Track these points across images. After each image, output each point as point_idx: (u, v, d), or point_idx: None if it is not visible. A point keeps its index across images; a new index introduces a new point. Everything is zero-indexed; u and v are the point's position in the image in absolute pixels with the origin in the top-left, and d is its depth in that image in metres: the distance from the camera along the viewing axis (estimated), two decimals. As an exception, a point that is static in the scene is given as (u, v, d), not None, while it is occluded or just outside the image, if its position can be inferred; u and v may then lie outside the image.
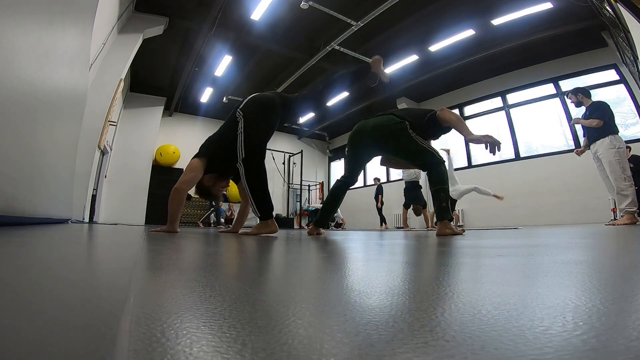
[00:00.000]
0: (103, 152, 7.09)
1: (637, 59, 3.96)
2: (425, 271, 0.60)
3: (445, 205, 2.26)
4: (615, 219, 5.69)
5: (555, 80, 7.10)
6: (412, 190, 6.15)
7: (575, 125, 4.11)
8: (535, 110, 7.41)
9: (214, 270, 0.57)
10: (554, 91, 7.10)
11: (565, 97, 4.29)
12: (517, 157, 7.57)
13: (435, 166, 2.33)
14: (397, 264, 0.71)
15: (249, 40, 6.79)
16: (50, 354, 0.17)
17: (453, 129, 2.43)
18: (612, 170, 3.66)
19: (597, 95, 6.60)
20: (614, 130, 3.73)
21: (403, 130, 2.35)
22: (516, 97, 7.81)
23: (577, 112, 6.84)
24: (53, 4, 1.94)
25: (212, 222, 8.96)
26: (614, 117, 3.77)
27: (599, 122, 3.75)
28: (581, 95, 4.03)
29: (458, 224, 7.66)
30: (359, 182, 11.59)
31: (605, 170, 3.75)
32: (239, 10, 5.98)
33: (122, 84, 5.89)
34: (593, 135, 3.86)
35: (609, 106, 3.83)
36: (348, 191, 2.78)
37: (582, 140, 4.31)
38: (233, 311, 0.28)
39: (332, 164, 13.39)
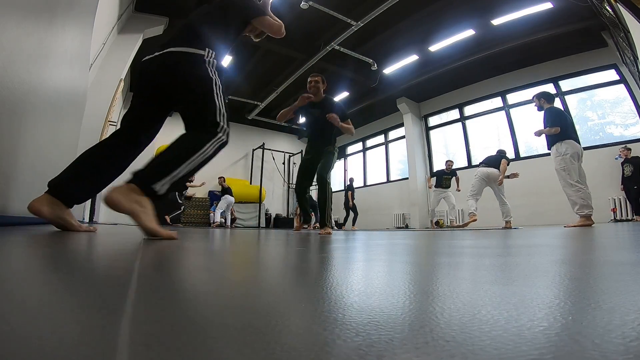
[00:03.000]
0: (103, 152, 7.07)
1: (637, 59, 3.96)
2: (425, 271, 0.60)
3: None
4: (615, 219, 5.70)
5: (555, 80, 7.09)
6: None
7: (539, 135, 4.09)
8: (535, 110, 7.40)
9: (214, 270, 0.57)
10: (554, 91, 7.08)
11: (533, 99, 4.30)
12: (517, 157, 7.57)
13: None
14: (396, 264, 0.72)
15: (248, 40, 6.79)
16: (50, 354, 0.17)
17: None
18: (559, 177, 3.72)
19: (597, 95, 6.62)
20: (564, 136, 3.72)
21: None
22: (516, 97, 7.80)
23: (577, 112, 6.85)
24: (53, 4, 1.94)
25: (212, 222, 8.95)
26: (566, 122, 3.81)
27: (557, 129, 3.77)
28: (543, 99, 4.06)
29: (457, 224, 7.65)
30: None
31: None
32: (239, 10, 5.98)
33: (122, 84, 5.88)
34: (548, 142, 3.94)
35: (562, 112, 3.90)
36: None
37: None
38: (233, 311, 0.28)
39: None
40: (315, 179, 3.20)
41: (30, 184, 1.97)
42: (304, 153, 3.29)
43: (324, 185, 3.09)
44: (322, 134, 3.17)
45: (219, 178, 8.66)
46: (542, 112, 4.09)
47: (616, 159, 5.73)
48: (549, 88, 7.19)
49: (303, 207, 3.27)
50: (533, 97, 4.22)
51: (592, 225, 3.51)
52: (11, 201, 1.69)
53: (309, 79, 3.15)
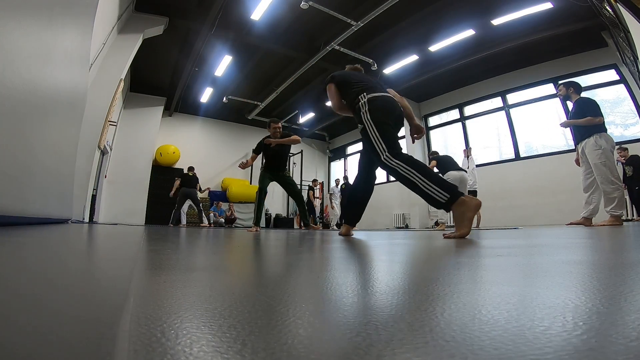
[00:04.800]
0: (103, 152, 7.09)
1: (637, 59, 3.96)
2: (425, 271, 0.60)
3: None
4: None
5: (555, 80, 7.08)
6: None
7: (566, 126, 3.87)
8: (535, 110, 7.40)
9: (214, 270, 0.57)
10: (553, 91, 7.08)
11: (555, 88, 4.08)
12: (517, 157, 7.57)
13: None
14: (397, 264, 0.72)
15: (249, 40, 6.79)
16: (50, 353, 0.17)
17: None
18: (598, 172, 3.48)
19: (597, 96, 6.61)
20: (600, 129, 3.50)
21: None
22: (516, 97, 7.80)
23: (577, 112, 6.84)
24: (53, 4, 1.94)
25: (211, 222, 8.96)
26: (602, 114, 3.54)
27: (600, 118, 3.47)
28: (572, 89, 3.79)
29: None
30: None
31: (593, 171, 3.53)
32: (239, 10, 5.98)
33: (122, 84, 5.89)
34: (580, 134, 3.67)
35: (597, 102, 3.61)
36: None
37: (571, 141, 4.01)
38: (233, 311, 0.28)
39: (332, 164, 13.38)
40: (293, 198, 4.34)
41: (30, 184, 1.97)
42: (263, 174, 4.17)
43: (302, 199, 4.29)
44: (280, 162, 4.22)
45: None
46: (569, 102, 3.87)
47: (618, 163, 5.64)
48: (549, 88, 7.19)
49: (261, 210, 4.08)
50: (559, 86, 3.95)
51: (622, 225, 3.31)
52: (11, 200, 1.69)
53: (273, 126, 4.01)
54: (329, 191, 9.83)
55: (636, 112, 5.94)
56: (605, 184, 3.43)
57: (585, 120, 3.57)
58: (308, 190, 9.54)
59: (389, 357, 0.18)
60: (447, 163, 5.28)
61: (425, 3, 5.83)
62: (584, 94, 3.85)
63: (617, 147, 5.65)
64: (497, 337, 0.20)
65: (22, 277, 0.45)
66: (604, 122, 3.55)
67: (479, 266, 0.63)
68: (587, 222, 3.65)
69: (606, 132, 3.53)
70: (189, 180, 7.30)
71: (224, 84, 8.64)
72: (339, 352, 0.19)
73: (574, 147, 6.64)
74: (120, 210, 7.90)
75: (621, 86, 6.19)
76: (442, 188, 1.60)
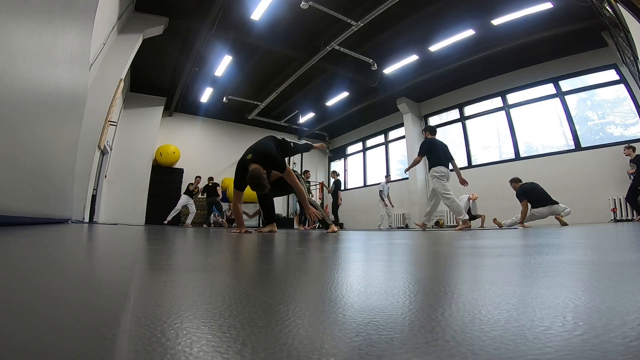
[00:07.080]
0: (103, 152, 7.08)
1: (637, 59, 3.96)
2: (425, 271, 0.60)
3: None
4: (615, 219, 5.71)
5: (555, 80, 7.09)
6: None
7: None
8: (535, 110, 7.40)
9: (214, 270, 0.57)
10: (554, 91, 7.09)
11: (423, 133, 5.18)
12: (517, 157, 7.56)
13: None
14: (397, 264, 0.72)
15: (249, 40, 6.78)
16: (50, 354, 0.17)
17: None
18: (439, 194, 4.61)
19: (597, 95, 6.62)
20: (433, 164, 4.67)
21: None
22: (516, 97, 7.80)
23: (577, 112, 6.86)
24: (53, 4, 1.94)
25: (211, 222, 8.96)
26: (425, 153, 4.77)
27: (419, 157, 4.83)
28: (428, 132, 4.97)
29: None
30: (359, 182, 11.57)
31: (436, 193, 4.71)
32: (239, 10, 5.98)
33: (122, 84, 5.88)
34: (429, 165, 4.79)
35: (428, 144, 4.78)
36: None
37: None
38: (233, 311, 0.28)
39: (332, 163, 13.38)
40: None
41: (30, 183, 1.97)
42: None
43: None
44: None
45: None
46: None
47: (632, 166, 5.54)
48: (549, 88, 7.19)
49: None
50: (424, 131, 5.12)
51: (470, 229, 4.39)
52: (11, 200, 1.69)
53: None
54: (379, 189, 9.06)
55: (636, 112, 5.94)
56: (445, 201, 4.55)
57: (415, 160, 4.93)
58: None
59: (390, 357, 0.18)
60: (536, 196, 5.33)
61: (425, 3, 5.84)
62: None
63: (624, 146, 5.64)
64: (497, 337, 0.20)
65: (22, 277, 0.45)
66: (436, 157, 4.68)
67: (479, 266, 0.63)
68: (424, 226, 4.90)
69: (441, 165, 4.66)
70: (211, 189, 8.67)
71: (224, 84, 8.64)
72: (339, 352, 0.19)
73: (574, 147, 6.71)
74: (120, 210, 7.90)
75: (621, 86, 6.19)
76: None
